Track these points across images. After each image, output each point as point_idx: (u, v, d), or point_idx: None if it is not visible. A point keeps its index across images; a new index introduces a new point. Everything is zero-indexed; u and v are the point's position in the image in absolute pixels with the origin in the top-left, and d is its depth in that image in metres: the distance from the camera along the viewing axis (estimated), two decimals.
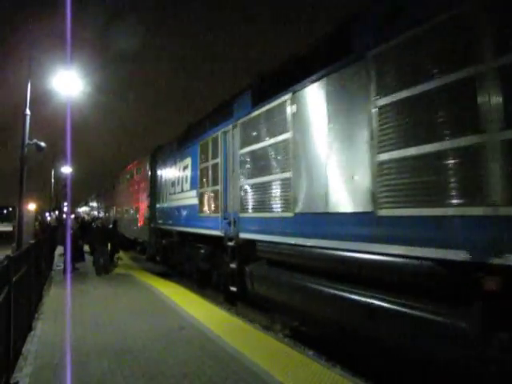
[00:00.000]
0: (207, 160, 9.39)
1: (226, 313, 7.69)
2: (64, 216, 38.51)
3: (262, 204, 6.88)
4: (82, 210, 72.23)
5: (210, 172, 9.17)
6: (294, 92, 6.17)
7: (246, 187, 7.42)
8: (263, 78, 7.38)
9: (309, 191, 5.74)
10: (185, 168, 11.16)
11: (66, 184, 39.35)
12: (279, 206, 6.41)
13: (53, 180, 40.01)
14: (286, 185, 6.25)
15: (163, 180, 13.67)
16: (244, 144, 7.57)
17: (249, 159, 7.37)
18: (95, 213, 45.26)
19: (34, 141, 11.88)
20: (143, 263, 16.80)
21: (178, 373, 4.62)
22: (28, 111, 11.19)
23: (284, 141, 6.34)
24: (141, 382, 4.41)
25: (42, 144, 12.21)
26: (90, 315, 7.45)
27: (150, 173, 15.65)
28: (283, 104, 6.42)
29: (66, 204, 41.24)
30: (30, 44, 11.67)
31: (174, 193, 12.12)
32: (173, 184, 12.35)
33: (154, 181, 15.12)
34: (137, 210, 17.84)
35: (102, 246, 13.43)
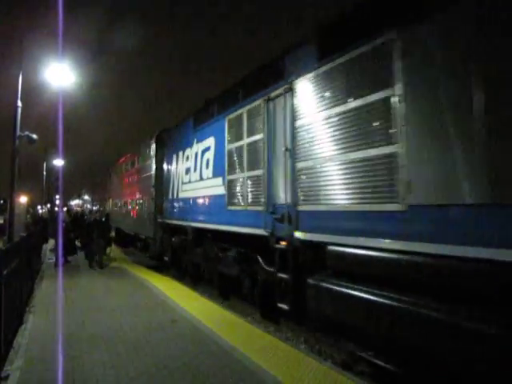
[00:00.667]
0: (241, 138, 7.18)
1: (219, 307, 7.54)
2: (56, 209, 36.09)
3: (341, 193, 4.73)
4: (75, 202, 69.43)
5: (246, 153, 6.96)
6: (403, 27, 4.01)
7: (311, 170, 5.25)
8: (337, 20, 5.18)
9: (440, 172, 3.61)
10: (205, 151, 8.93)
11: (58, 177, 37.15)
12: (375, 194, 4.27)
13: (45, 173, 37.98)
14: (388, 164, 4.11)
15: (173, 167, 11.39)
16: (306, 111, 5.39)
17: (315, 131, 5.20)
18: (88, 206, 42.79)
19: (26, 133, 11.34)
20: (136, 257, 16.14)
21: (170, 366, 4.54)
22: (19, 103, 10.69)
23: (385, 100, 4.18)
24: (132, 375, 4.30)
25: (34, 136, 11.66)
26: (82, 308, 7.26)
27: (154, 160, 13.33)
28: (383, 47, 4.25)
29: (58, 197, 38.80)
30: (22, 35, 11.41)
31: (189, 181, 9.88)
32: (187, 171, 10.10)
33: (160, 168, 12.82)
34: (139, 203, 15.53)
35: (98, 239, 12.91)
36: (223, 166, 7.86)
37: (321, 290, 5.01)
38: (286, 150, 5.80)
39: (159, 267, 12.90)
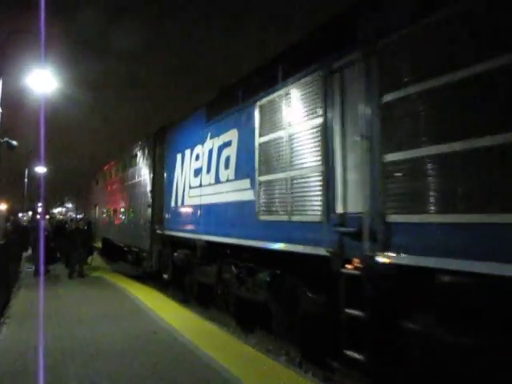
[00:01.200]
0: (281, 127, 5.44)
1: (199, 318, 7.27)
2: (38, 217, 33.69)
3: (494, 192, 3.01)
4: (58, 210, 66.36)
5: (291, 146, 5.21)
6: None
7: (417, 164, 3.53)
8: None
9: None
10: (223, 147, 7.14)
11: (40, 184, 35.01)
12: None
13: (26, 180, 35.76)
14: None
15: (177, 169, 9.53)
16: (406, 80, 3.67)
17: (428, 107, 3.48)
18: (72, 214, 40.30)
19: (6, 139, 10.94)
20: (118, 266, 15.45)
21: (147, 378, 4.36)
22: None
23: None
24: None
25: (14, 143, 11.19)
26: (60, 319, 6.96)
27: (152, 161, 11.45)
28: None
29: (40, 204, 36.49)
30: (3, 39, 10.29)
31: (200, 185, 8.05)
32: (196, 173, 8.28)
33: (159, 171, 10.93)
34: (132, 211, 13.55)
35: (80, 249, 12.46)
36: (252, 164, 6.09)
37: (443, 344, 3.26)
38: (364, 137, 4.07)
39: (141, 277, 12.17)
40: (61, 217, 46.36)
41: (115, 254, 16.65)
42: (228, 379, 4.33)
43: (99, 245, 18.99)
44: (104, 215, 18.92)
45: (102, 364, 4.78)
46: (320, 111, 4.69)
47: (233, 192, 6.69)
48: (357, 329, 4.14)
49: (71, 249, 12.55)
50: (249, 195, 6.18)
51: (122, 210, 14.99)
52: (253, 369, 4.62)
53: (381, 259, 3.79)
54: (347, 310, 4.20)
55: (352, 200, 4.24)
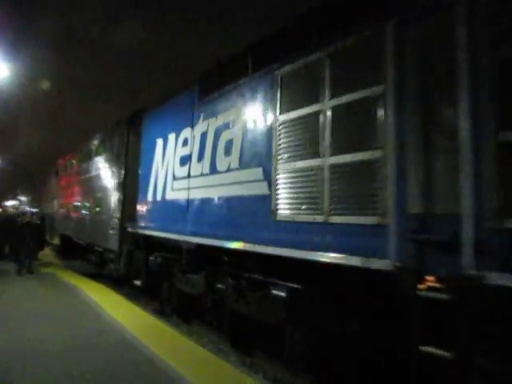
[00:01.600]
0: (315, 99, 4.09)
1: (151, 316, 6.92)
2: None
3: None
4: (10, 203, 61.64)
5: (331, 123, 3.90)
6: None
7: None
8: None
9: None
10: (221, 129, 5.73)
11: None
12: None
13: None
14: None
15: (156, 157, 7.96)
16: None
17: None
18: (26, 208, 37.07)
19: None
20: (70, 262, 14.45)
21: (90, 380, 4.09)
22: None
23: None
24: None
25: None
26: (1, 318, 6.45)
27: (124, 149, 9.77)
28: None
29: None
30: None
31: (188, 176, 6.58)
32: (183, 161, 6.79)
33: (133, 160, 9.29)
34: (98, 205, 11.72)
35: (30, 244, 11.66)
36: (267, 149, 4.73)
37: None
38: (462, 109, 2.84)
39: (95, 275, 11.32)
40: (13, 210, 42.74)
41: (76, 253, 14.69)
42: (176, 380, 4.18)
43: (57, 241, 16.91)
44: (63, 209, 16.79)
45: (44, 367, 4.46)
46: (385, 75, 3.41)
47: (236, 184, 5.30)
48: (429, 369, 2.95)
49: (21, 244, 11.68)
50: (260, 188, 4.82)
51: (86, 204, 13.10)
52: (203, 369, 4.50)
53: (497, 281, 2.57)
54: (424, 348, 2.96)
55: (438, 195, 2.99)
